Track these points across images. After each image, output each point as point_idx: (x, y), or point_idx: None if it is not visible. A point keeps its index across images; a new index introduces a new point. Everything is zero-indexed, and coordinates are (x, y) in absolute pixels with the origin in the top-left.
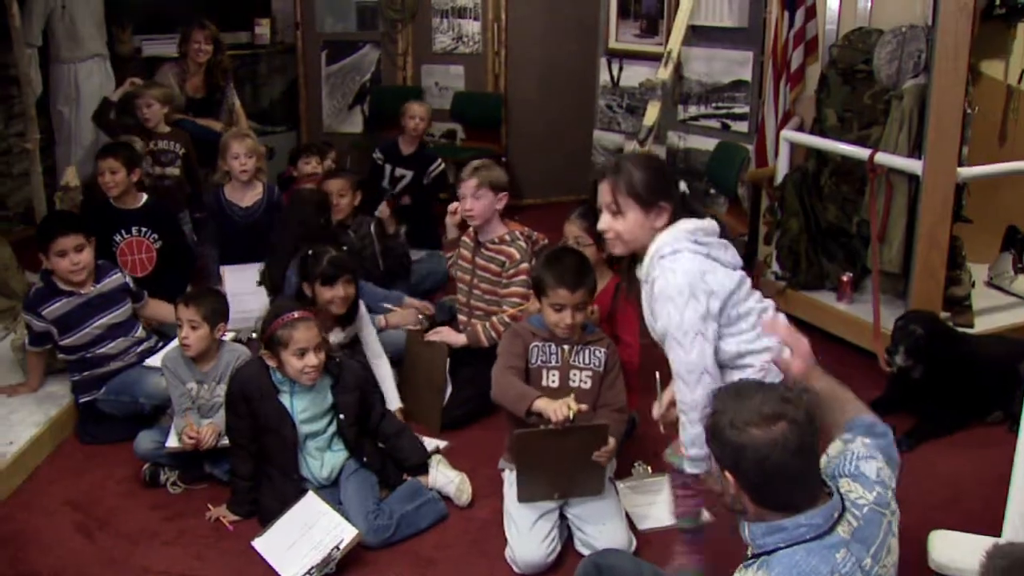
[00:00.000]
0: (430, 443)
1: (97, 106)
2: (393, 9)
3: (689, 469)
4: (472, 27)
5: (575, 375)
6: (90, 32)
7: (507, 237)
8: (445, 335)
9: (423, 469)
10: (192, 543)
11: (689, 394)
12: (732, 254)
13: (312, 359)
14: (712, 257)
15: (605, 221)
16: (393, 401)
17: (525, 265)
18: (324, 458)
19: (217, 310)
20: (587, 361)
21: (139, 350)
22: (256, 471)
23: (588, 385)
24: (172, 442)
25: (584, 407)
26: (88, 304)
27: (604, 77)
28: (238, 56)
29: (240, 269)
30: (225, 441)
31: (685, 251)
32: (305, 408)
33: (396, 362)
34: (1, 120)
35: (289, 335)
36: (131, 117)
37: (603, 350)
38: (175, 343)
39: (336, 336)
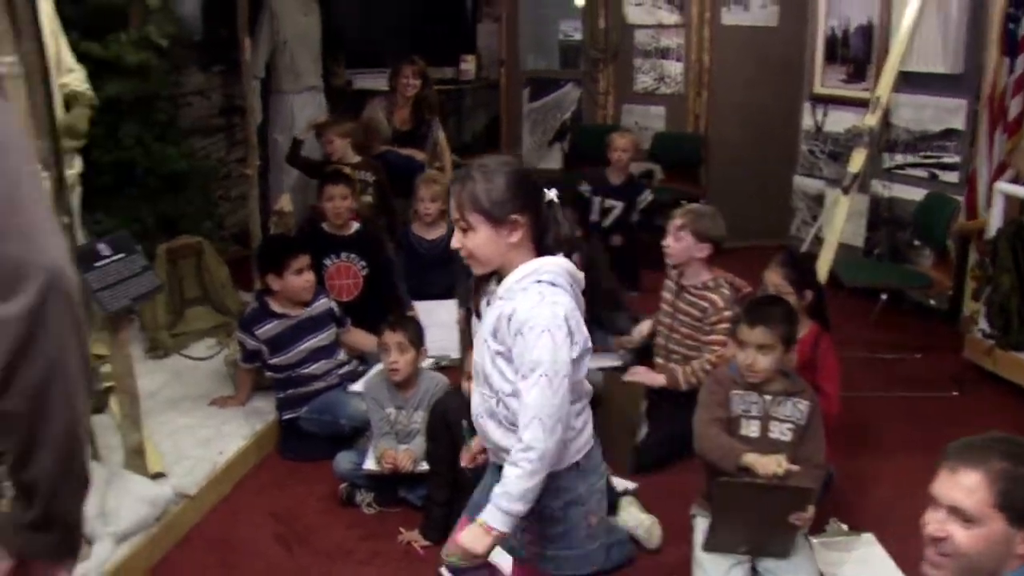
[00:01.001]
0: (620, 483)
1: (290, 146)
2: (596, 48)
3: (500, 527)
4: (674, 68)
5: (775, 427)
6: (308, 66)
7: (711, 283)
8: (643, 375)
9: (612, 509)
10: (385, 564)
11: (543, 441)
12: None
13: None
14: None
15: (456, 238)
16: None
17: (728, 313)
18: None
19: (419, 336)
20: (789, 413)
21: (341, 372)
22: (451, 498)
23: (788, 438)
24: (370, 464)
25: (796, 468)
26: (298, 327)
27: (808, 121)
28: (444, 91)
29: (431, 303)
30: (421, 467)
31: (563, 290)
32: None
33: (593, 402)
34: (223, 146)
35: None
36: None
37: (806, 403)
38: (376, 369)
39: None
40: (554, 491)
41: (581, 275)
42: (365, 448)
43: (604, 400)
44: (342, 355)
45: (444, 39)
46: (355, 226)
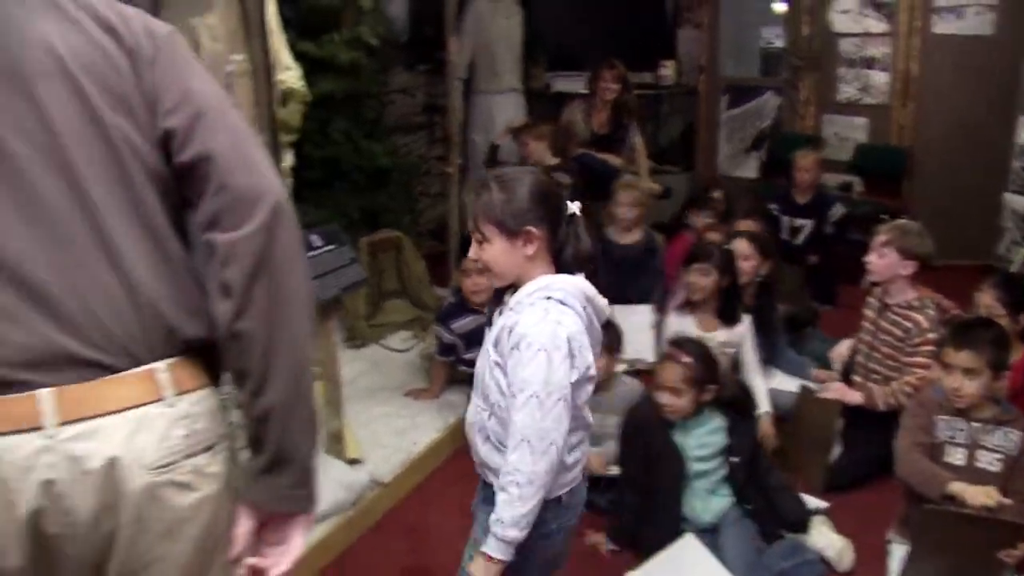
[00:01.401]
0: (812, 502)
1: (487, 151)
2: (798, 56)
3: (500, 555)
4: (879, 78)
5: (983, 456)
6: (508, 67)
7: (916, 303)
8: (839, 392)
9: (802, 528)
10: (569, 565)
11: (530, 464)
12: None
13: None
14: (588, 334)
15: (473, 249)
16: (763, 404)
17: (933, 335)
18: (709, 501)
19: (614, 341)
20: (999, 443)
21: None
22: (640, 505)
23: (997, 468)
24: None
25: (1008, 501)
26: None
27: (1022, 137)
28: (642, 96)
29: (625, 308)
30: (612, 471)
31: (573, 310)
32: (697, 447)
33: (784, 418)
34: (424, 144)
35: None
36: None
37: (1019, 433)
38: None
39: (721, 335)
40: None
41: (603, 301)
42: None
43: (797, 416)
44: None
45: (644, 44)
46: None
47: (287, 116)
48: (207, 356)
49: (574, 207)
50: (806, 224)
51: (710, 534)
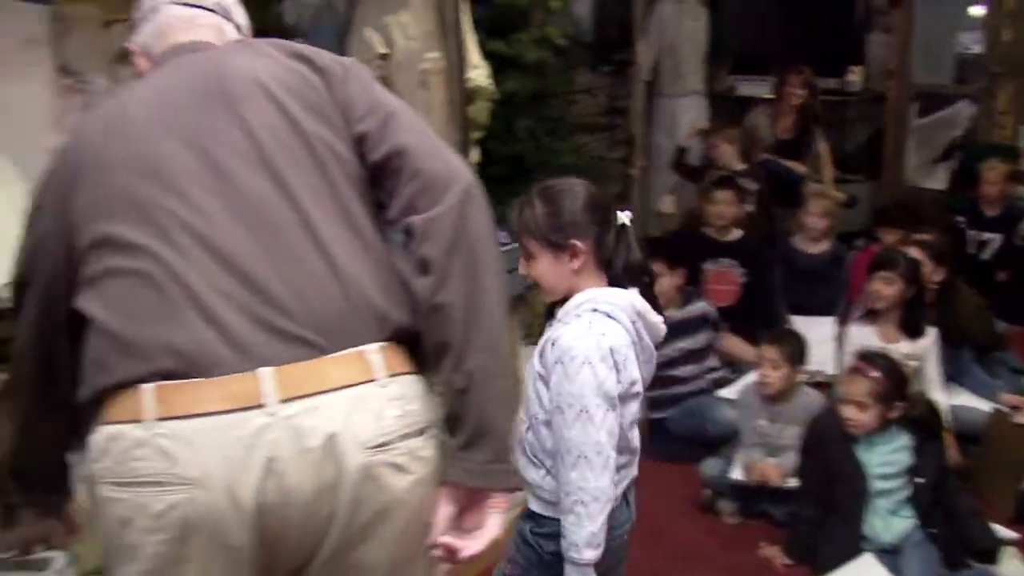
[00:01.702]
0: (1001, 531)
1: (674, 153)
2: (997, 62)
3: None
4: None
5: None
6: (692, 69)
7: None
8: None
9: (991, 558)
10: None
11: (593, 480)
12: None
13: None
14: (637, 349)
15: (521, 265)
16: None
17: None
18: (891, 521)
19: (797, 352)
20: None
21: (711, 377)
22: (818, 519)
23: None
24: (737, 474)
25: None
26: (670, 327)
27: None
28: (827, 102)
29: (809, 318)
30: (790, 483)
31: (620, 324)
32: (880, 464)
33: (972, 439)
34: (605, 145)
35: None
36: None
37: None
38: (751, 378)
39: (904, 347)
40: (556, 536)
41: (656, 317)
42: (731, 456)
43: (987, 439)
44: (714, 360)
45: (831, 48)
46: (737, 233)
47: (474, 113)
48: (411, 347)
49: (624, 217)
50: (994, 238)
51: (890, 555)
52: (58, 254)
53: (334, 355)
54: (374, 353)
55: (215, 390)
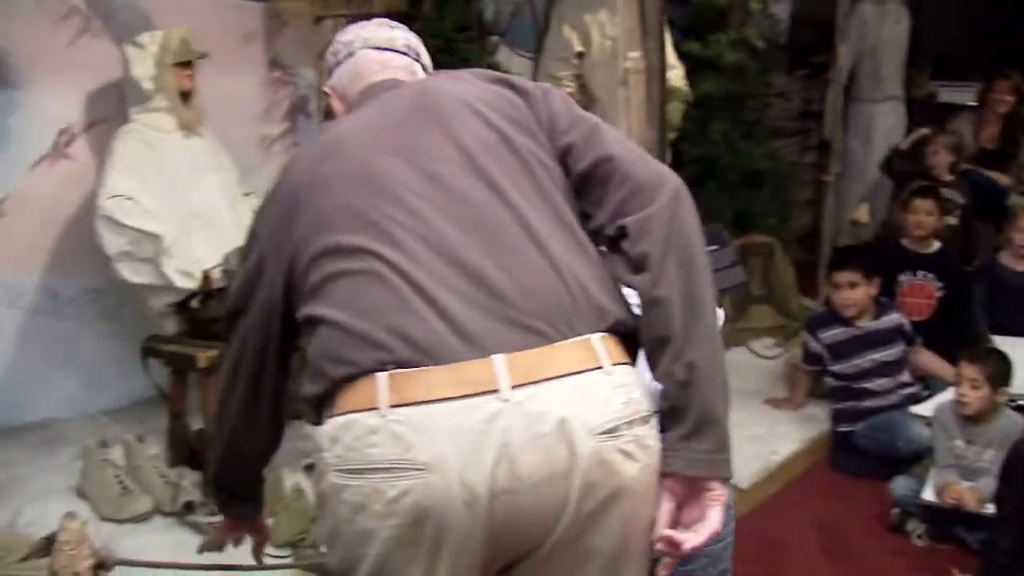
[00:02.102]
0: None
1: (887, 153)
2: None
3: None
4: None
5: None
6: (891, 75)
7: None
8: None
9: None
10: None
11: None
12: None
13: None
14: None
15: None
16: None
17: None
18: None
19: (1000, 373)
20: None
21: (903, 392)
22: (1016, 551)
23: None
24: (928, 495)
25: None
26: (863, 338)
27: None
28: None
29: (1011, 339)
30: (987, 509)
31: None
32: None
33: None
34: (796, 150)
35: None
36: (914, 163)
37: None
38: (947, 395)
39: None
40: None
41: None
42: (923, 476)
43: None
44: (906, 375)
45: None
46: (935, 245)
47: (668, 114)
48: (624, 342)
49: None
50: None
51: None
52: (277, 275)
53: (562, 343)
54: (597, 342)
55: (449, 376)
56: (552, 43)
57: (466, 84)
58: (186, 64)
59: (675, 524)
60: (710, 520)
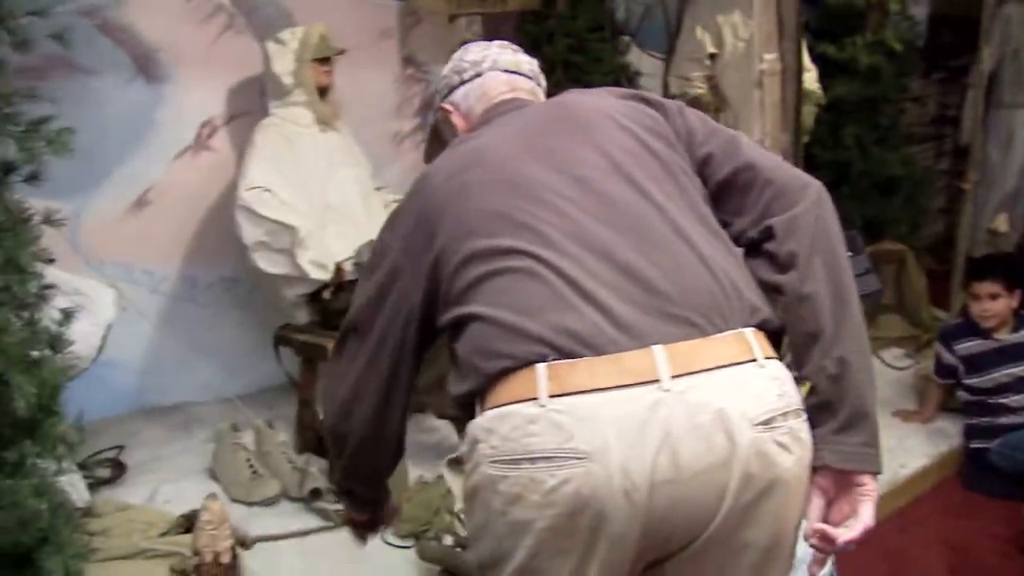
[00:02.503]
0: None
1: None
2: None
3: None
4: None
5: None
6: None
7: None
8: None
9: None
10: None
11: None
12: None
13: None
14: None
15: None
16: None
17: None
18: None
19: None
20: None
21: None
22: None
23: None
24: None
25: None
26: (1001, 351)
27: None
28: None
29: None
30: None
31: None
32: None
33: None
34: (931, 156)
35: None
36: None
37: None
38: None
39: None
40: None
41: None
42: None
43: None
44: None
45: None
46: None
47: (802, 117)
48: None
49: None
50: None
51: None
52: (413, 286)
53: (718, 335)
54: (751, 335)
55: (610, 366)
56: (684, 44)
57: (603, 98)
58: (324, 60)
59: (825, 520)
60: (862, 515)
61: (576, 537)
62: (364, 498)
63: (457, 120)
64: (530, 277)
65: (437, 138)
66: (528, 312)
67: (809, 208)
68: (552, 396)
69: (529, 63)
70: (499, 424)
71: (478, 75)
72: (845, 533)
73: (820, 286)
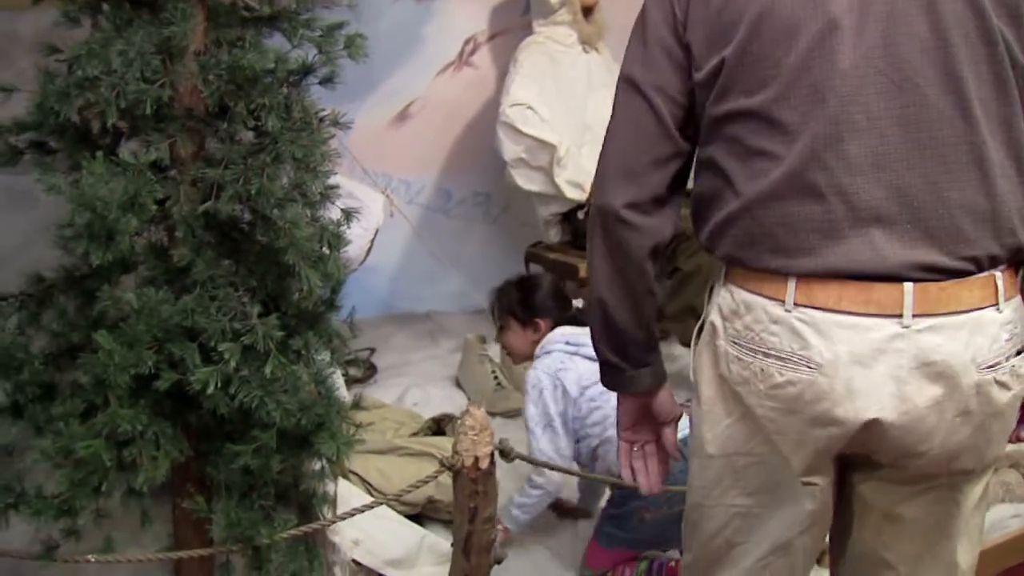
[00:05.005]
0: None
1: None
2: None
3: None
4: None
5: None
6: None
7: None
8: None
9: None
10: None
11: (536, 476)
12: None
13: None
14: (583, 355)
15: (496, 335)
16: None
17: None
18: None
19: None
20: None
21: None
22: None
23: None
24: None
25: None
26: None
27: None
28: None
29: None
30: None
31: (554, 351)
32: None
33: None
34: None
35: None
36: None
37: None
38: None
39: None
40: None
41: None
42: None
43: None
44: None
45: None
46: None
47: None
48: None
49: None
50: None
51: None
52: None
53: (969, 279)
54: (1000, 279)
55: (859, 294)
56: None
57: None
58: None
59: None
60: None
61: (786, 436)
62: (633, 359)
63: None
64: (807, 193)
65: None
66: (791, 229)
67: None
68: (797, 304)
69: None
70: (744, 311)
71: None
72: None
73: None
